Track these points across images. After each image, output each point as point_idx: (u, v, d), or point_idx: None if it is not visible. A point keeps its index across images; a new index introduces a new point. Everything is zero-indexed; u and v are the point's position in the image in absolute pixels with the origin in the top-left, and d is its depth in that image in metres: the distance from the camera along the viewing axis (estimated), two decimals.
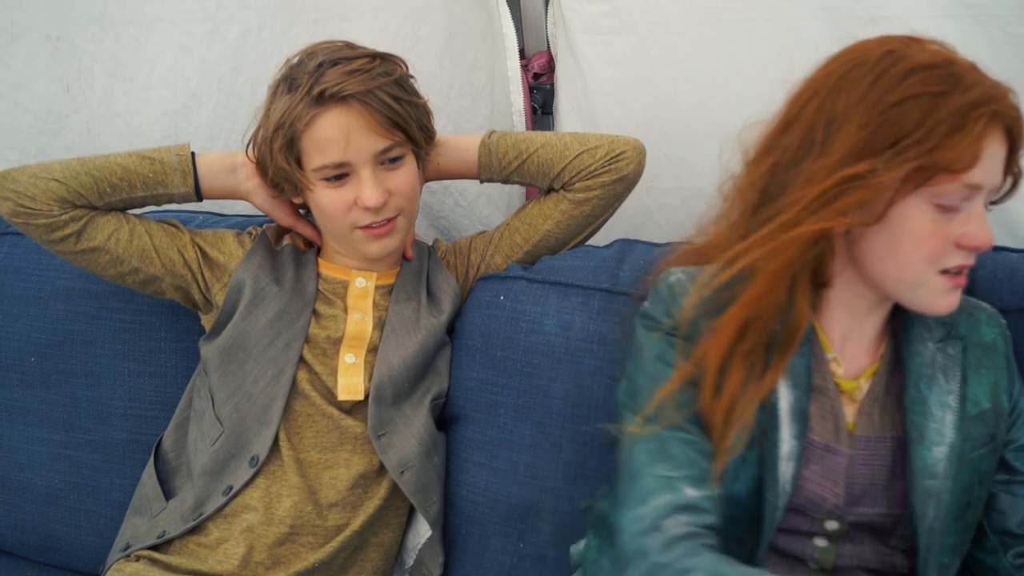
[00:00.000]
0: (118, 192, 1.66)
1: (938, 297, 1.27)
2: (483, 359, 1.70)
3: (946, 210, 1.23)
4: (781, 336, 1.27)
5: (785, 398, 1.28)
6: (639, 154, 1.69)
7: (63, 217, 1.62)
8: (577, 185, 1.69)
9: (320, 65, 1.57)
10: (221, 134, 2.06)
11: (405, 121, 1.60)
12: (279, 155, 1.58)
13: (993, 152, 1.22)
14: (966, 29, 1.75)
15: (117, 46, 2.12)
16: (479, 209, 2.09)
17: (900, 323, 1.35)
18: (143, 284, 1.70)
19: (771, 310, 1.26)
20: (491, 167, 1.74)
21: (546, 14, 2.07)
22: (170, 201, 1.71)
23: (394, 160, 1.62)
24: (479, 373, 1.70)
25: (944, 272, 1.25)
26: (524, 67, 2.12)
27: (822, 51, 1.79)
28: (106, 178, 1.64)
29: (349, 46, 1.62)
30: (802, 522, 1.31)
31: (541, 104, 2.15)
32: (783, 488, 1.27)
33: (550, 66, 2.11)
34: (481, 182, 1.78)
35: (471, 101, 2.07)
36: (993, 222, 1.74)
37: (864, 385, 1.34)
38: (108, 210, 1.67)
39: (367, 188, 1.59)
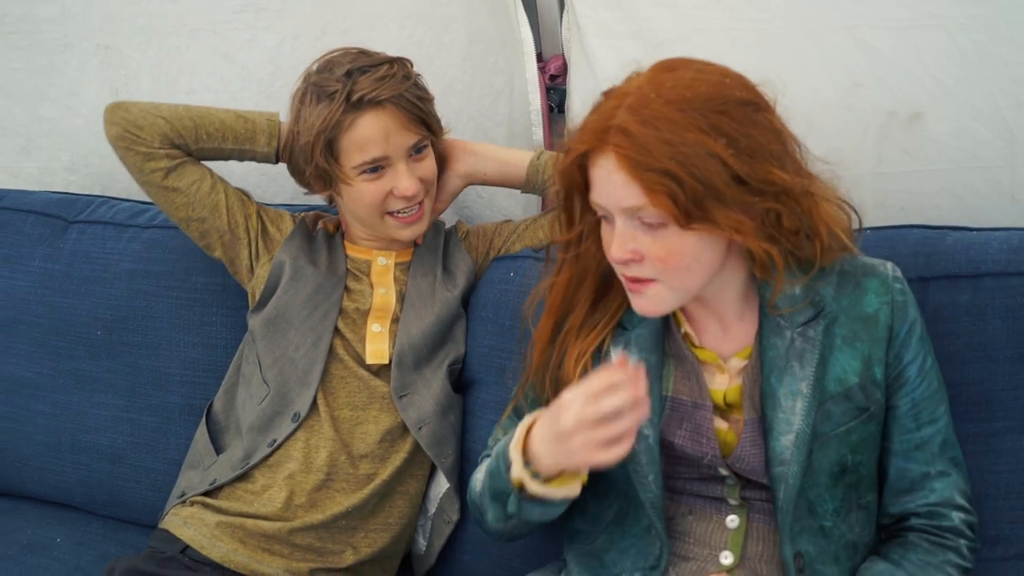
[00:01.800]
0: (212, 140, 1.86)
1: (632, 300, 1.42)
2: (494, 328, 1.87)
3: (608, 223, 1.39)
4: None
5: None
6: None
7: (161, 151, 1.83)
8: None
9: (349, 73, 1.76)
10: None
11: (428, 116, 1.81)
12: (320, 157, 1.76)
13: (601, 176, 1.34)
14: (933, 38, 1.85)
15: (161, 55, 2.29)
16: (499, 201, 2.23)
17: (761, 317, 1.45)
18: (202, 234, 1.90)
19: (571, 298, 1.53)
20: (535, 185, 1.92)
21: (561, 20, 2.19)
22: (252, 159, 1.91)
23: (420, 151, 1.82)
24: (491, 341, 1.87)
25: (628, 278, 1.40)
26: (541, 69, 2.23)
27: (801, 58, 1.94)
28: (204, 126, 1.85)
29: (363, 53, 1.81)
30: (703, 469, 1.46)
31: (557, 104, 2.26)
32: (640, 432, 1.42)
33: (565, 68, 2.21)
34: (522, 192, 1.96)
35: (491, 101, 2.21)
36: (953, 209, 1.87)
37: (736, 363, 1.46)
38: (199, 158, 1.88)
39: (404, 179, 1.78)
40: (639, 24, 2.06)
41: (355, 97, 1.74)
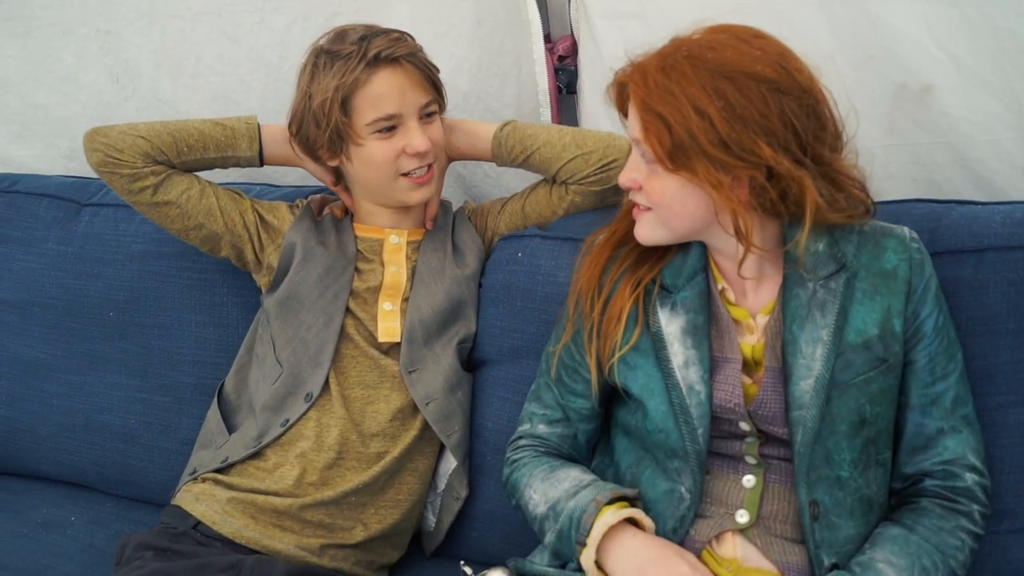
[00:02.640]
0: (193, 152, 1.87)
1: (635, 228, 1.55)
2: (505, 309, 1.88)
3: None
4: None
5: (674, 323, 1.54)
6: None
7: (145, 170, 1.84)
8: (572, 187, 1.88)
9: (363, 37, 1.78)
10: (269, 117, 2.13)
11: (437, 81, 1.84)
12: (338, 113, 1.77)
13: (630, 109, 1.48)
14: (943, 11, 1.85)
15: (163, 38, 2.29)
16: (507, 180, 2.23)
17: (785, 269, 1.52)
18: (203, 240, 1.91)
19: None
20: (502, 157, 1.93)
21: (569, 0, 2.20)
22: (236, 164, 1.92)
23: (430, 115, 1.83)
24: (502, 321, 1.88)
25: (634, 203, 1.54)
26: (549, 50, 2.23)
27: (813, 32, 1.93)
28: (184, 139, 1.86)
29: (371, 25, 1.82)
30: (724, 424, 1.52)
31: (566, 84, 2.26)
32: (692, 388, 1.50)
33: (574, 49, 2.22)
34: (498, 166, 1.96)
35: (499, 82, 2.21)
36: (964, 180, 1.88)
37: (762, 320, 1.53)
38: (184, 170, 1.89)
39: (416, 136, 1.80)
40: (643, 3, 2.06)
41: (371, 54, 1.76)
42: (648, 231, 1.53)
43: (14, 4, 2.35)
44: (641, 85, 1.43)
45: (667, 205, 1.48)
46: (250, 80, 2.26)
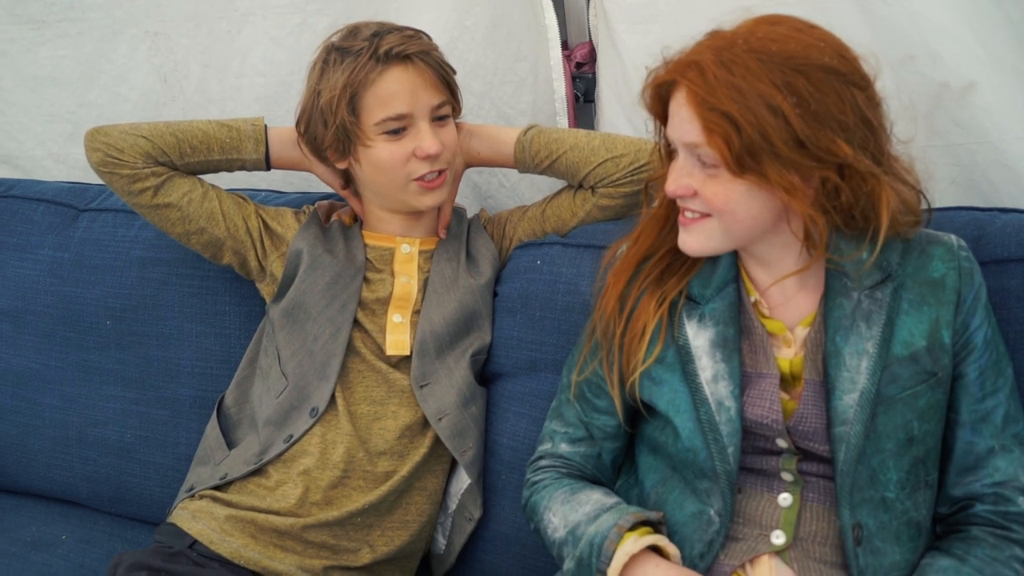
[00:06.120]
0: (197, 154, 1.80)
1: (680, 236, 1.45)
2: (523, 319, 1.81)
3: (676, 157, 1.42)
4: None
5: (702, 336, 1.46)
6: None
7: (145, 171, 1.78)
8: (601, 191, 1.80)
9: (376, 33, 1.71)
10: None
11: (452, 82, 1.77)
12: (344, 112, 1.70)
13: (673, 109, 1.37)
14: (983, 8, 1.80)
15: (210, 39, 2.28)
16: (522, 191, 2.18)
17: (828, 279, 1.44)
18: (205, 246, 1.84)
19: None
20: (525, 162, 1.85)
21: (588, 6, 2.15)
22: (242, 167, 1.85)
23: (442, 118, 1.76)
24: (519, 332, 1.81)
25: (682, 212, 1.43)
26: (567, 57, 2.19)
27: (852, 33, 1.86)
28: (187, 140, 1.80)
29: (385, 23, 1.76)
30: (759, 440, 1.44)
31: (583, 92, 2.21)
32: (721, 404, 1.42)
33: (592, 56, 2.18)
34: (520, 172, 1.89)
35: (515, 89, 2.16)
36: (1004, 181, 1.82)
37: (801, 333, 1.44)
38: (187, 172, 1.82)
39: (426, 137, 1.72)
40: (670, 5, 2.00)
41: (382, 50, 1.69)
42: (701, 240, 1.42)
43: (66, 5, 2.36)
44: (700, 83, 1.31)
45: (731, 211, 1.37)
46: (291, 81, 2.22)
